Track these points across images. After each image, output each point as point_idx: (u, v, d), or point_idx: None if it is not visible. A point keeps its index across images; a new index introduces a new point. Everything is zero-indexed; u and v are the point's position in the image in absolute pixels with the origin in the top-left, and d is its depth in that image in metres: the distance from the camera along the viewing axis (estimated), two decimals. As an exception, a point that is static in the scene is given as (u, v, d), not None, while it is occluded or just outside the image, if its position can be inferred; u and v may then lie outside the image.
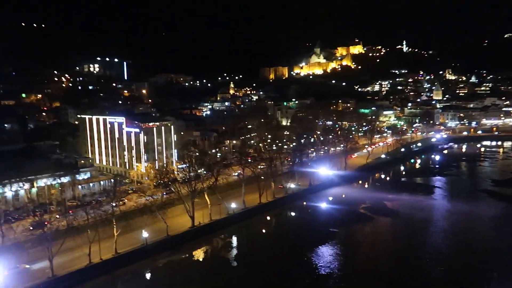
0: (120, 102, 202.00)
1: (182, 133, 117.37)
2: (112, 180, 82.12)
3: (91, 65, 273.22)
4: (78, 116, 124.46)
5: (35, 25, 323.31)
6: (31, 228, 57.15)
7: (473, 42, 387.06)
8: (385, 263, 55.60)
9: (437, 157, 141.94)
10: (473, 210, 77.80)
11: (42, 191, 75.65)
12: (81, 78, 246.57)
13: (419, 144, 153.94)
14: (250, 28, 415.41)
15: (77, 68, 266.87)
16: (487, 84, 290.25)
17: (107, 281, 51.49)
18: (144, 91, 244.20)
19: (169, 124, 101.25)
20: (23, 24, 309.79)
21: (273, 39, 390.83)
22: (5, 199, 70.29)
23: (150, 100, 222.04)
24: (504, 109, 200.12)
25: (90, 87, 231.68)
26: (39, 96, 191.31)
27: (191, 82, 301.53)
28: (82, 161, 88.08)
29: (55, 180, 76.14)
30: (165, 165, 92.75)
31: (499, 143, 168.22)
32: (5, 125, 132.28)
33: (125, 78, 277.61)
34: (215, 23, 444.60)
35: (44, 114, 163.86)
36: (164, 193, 72.82)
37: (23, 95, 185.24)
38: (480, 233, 67.14)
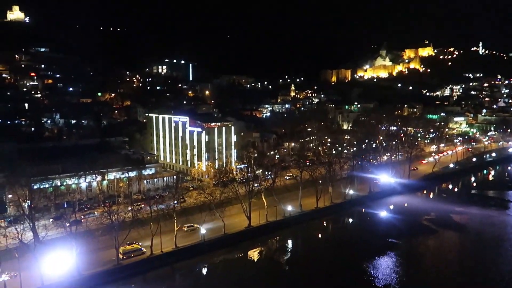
0: (184, 102, 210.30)
1: (242, 133, 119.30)
2: (175, 176, 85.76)
3: (160, 67, 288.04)
4: (146, 114, 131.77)
5: (111, 28, 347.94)
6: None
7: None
8: (448, 282, 51.94)
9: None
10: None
11: (112, 184, 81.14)
12: (150, 79, 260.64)
13: (494, 154, 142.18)
14: (313, 30, 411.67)
15: (147, 69, 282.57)
16: None
17: (167, 273, 53.95)
18: (207, 92, 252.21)
19: (229, 125, 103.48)
20: (101, 28, 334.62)
21: (337, 40, 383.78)
22: (80, 189, 76.54)
23: (212, 101, 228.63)
24: None
25: (158, 87, 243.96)
26: (113, 95, 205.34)
27: (253, 84, 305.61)
28: (148, 157, 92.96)
29: (124, 174, 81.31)
30: (224, 164, 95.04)
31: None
32: (83, 121, 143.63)
33: (190, 79, 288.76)
34: (277, 25, 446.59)
35: (116, 112, 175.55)
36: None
37: (99, 93, 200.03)
38: None
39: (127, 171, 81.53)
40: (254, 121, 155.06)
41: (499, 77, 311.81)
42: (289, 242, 67.71)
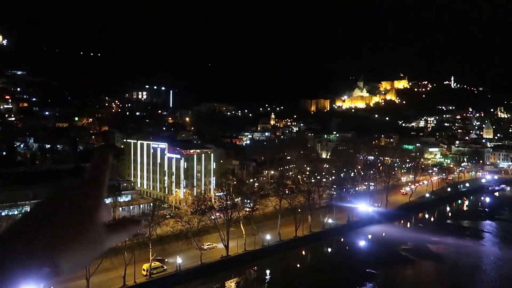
0: (164, 128, 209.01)
1: (221, 161, 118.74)
2: (151, 204, 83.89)
3: (140, 92, 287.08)
4: (124, 140, 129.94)
5: (91, 53, 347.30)
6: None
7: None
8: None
9: (487, 199, 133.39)
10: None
11: (85, 211, 78.34)
12: (129, 104, 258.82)
13: (467, 184, 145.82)
14: (293, 60, 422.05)
15: (127, 94, 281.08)
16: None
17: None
18: (187, 119, 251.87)
19: (209, 152, 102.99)
20: (81, 52, 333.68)
21: (316, 71, 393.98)
22: (51, 216, 73.51)
23: (192, 128, 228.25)
24: None
25: (137, 113, 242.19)
26: (90, 120, 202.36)
27: (233, 112, 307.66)
28: (124, 184, 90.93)
29: (98, 201, 78.78)
30: (203, 192, 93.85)
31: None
32: (58, 146, 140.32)
33: (170, 105, 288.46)
34: (258, 55, 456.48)
35: (93, 137, 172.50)
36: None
37: (76, 118, 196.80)
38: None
39: (102, 198, 79.15)
40: (234, 149, 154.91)
41: (471, 109, 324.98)
42: (267, 272, 66.47)
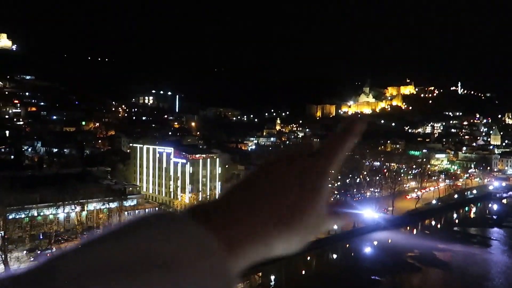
0: (170, 133, 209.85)
1: (227, 166, 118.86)
2: (157, 208, 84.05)
3: (146, 97, 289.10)
4: (130, 144, 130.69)
5: (99, 58, 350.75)
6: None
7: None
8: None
9: (495, 207, 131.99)
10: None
11: (92, 215, 78.92)
12: (135, 109, 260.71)
13: (475, 191, 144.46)
14: (299, 65, 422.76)
15: (133, 99, 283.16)
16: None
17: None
18: (193, 124, 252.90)
19: (215, 157, 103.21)
20: (89, 57, 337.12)
21: (322, 76, 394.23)
22: (57, 220, 74.07)
23: (198, 133, 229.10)
24: None
25: (144, 118, 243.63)
26: (97, 124, 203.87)
27: (239, 117, 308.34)
28: (130, 188, 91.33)
29: (104, 205, 79.35)
30: (208, 196, 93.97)
31: None
32: (65, 150, 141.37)
33: (176, 110, 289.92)
34: (264, 60, 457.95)
35: (100, 141, 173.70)
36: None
37: (83, 122, 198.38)
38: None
39: (107, 202, 79.67)
40: (239, 154, 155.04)
41: (478, 116, 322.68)
42: (272, 277, 66.19)
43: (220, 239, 0.59)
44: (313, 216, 0.74)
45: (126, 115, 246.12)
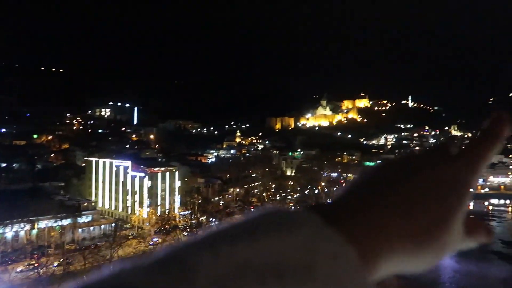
0: (128, 146, 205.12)
1: (186, 179, 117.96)
2: (113, 224, 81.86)
3: (103, 109, 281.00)
4: (86, 158, 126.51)
5: (53, 69, 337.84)
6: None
7: (480, 99, 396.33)
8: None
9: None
10: (483, 272, 75.10)
11: (43, 233, 75.37)
12: (92, 122, 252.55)
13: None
14: (259, 78, 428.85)
15: (89, 111, 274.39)
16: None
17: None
18: (152, 136, 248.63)
19: (174, 170, 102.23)
20: (42, 68, 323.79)
21: (281, 89, 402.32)
22: (4, 239, 70.09)
23: (157, 145, 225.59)
24: (511, 166, 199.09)
25: (100, 130, 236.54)
26: (50, 137, 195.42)
27: (199, 129, 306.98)
28: (85, 204, 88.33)
29: (57, 222, 76.12)
30: (167, 211, 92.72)
31: (508, 201, 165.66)
32: (14, 164, 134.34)
33: (135, 122, 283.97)
34: (224, 73, 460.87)
35: (52, 155, 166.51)
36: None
37: (35, 136, 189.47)
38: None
39: (60, 219, 76.54)
40: (199, 167, 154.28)
41: (427, 128, 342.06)
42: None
43: (356, 246, 0.49)
44: (451, 234, 0.61)
45: (81, 127, 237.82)
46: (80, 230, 79.81)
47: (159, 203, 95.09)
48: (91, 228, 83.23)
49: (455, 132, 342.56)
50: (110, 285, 0.39)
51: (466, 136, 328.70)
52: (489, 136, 0.67)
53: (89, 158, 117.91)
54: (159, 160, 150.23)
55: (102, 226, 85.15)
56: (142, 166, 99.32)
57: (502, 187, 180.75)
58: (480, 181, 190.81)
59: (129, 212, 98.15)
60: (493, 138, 0.67)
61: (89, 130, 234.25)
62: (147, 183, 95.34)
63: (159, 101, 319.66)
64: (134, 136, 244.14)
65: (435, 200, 0.58)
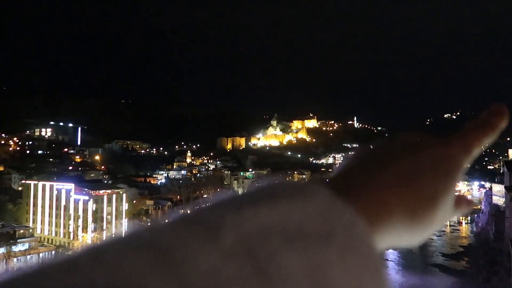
0: (70, 168, 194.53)
1: (134, 201, 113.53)
2: (53, 252, 76.10)
3: (43, 129, 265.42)
4: (23, 181, 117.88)
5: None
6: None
7: (418, 120, 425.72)
8: None
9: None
10: (426, 285, 78.37)
11: (-30, 265, 68.29)
12: (30, 142, 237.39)
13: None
14: (209, 99, 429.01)
15: (28, 131, 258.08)
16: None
17: None
18: (97, 158, 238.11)
19: (121, 192, 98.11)
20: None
21: (232, 111, 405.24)
22: None
23: (103, 167, 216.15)
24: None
25: (40, 152, 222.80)
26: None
27: (148, 150, 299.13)
28: (22, 231, 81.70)
29: (-12, 252, 69.46)
30: (113, 235, 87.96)
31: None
32: None
33: (78, 143, 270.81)
34: (174, 92, 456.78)
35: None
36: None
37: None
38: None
39: (-8, 248, 69.99)
40: (148, 188, 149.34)
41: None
42: None
43: (363, 213, 0.52)
44: (443, 208, 0.64)
45: (18, 148, 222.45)
46: (15, 259, 73.28)
47: (104, 227, 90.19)
48: (28, 256, 76.75)
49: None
50: (140, 240, 0.40)
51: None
52: (486, 124, 0.71)
53: (27, 181, 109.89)
54: (105, 182, 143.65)
55: (41, 254, 78.80)
56: (86, 189, 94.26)
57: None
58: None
59: (72, 238, 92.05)
60: (489, 127, 0.71)
61: (27, 151, 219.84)
62: (91, 206, 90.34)
63: (105, 121, 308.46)
64: (77, 157, 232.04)
65: (433, 177, 0.63)
